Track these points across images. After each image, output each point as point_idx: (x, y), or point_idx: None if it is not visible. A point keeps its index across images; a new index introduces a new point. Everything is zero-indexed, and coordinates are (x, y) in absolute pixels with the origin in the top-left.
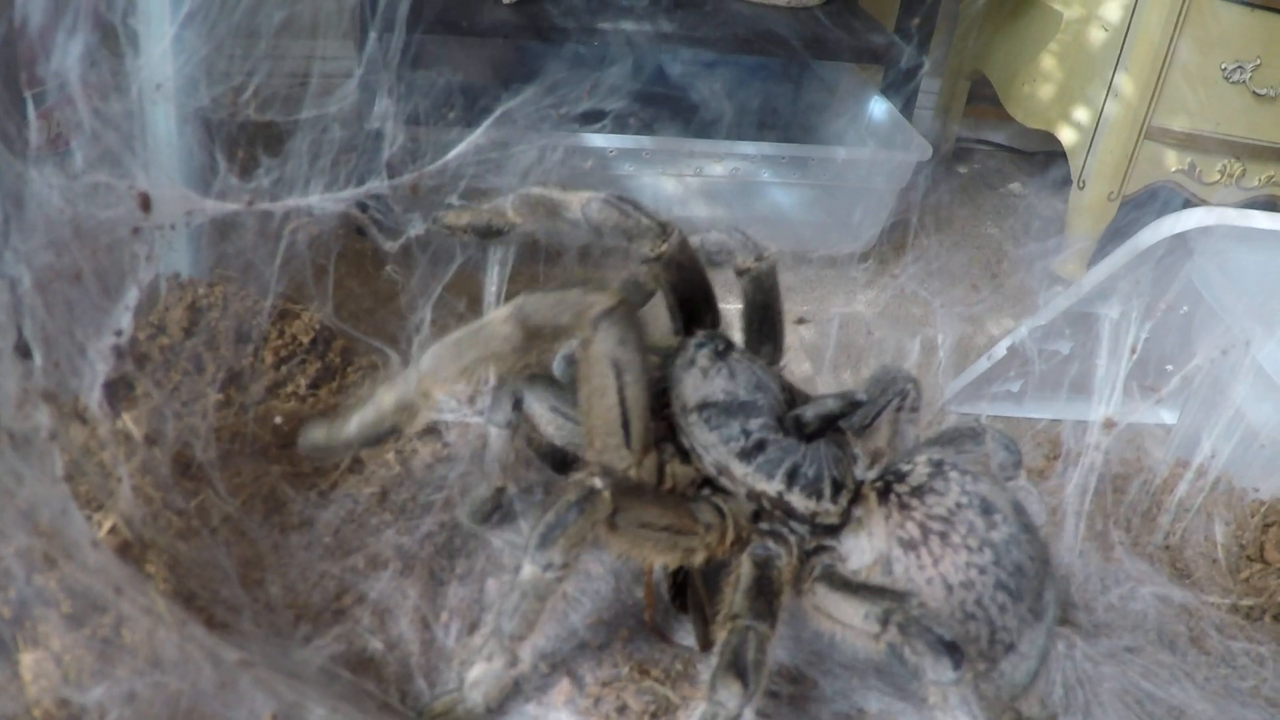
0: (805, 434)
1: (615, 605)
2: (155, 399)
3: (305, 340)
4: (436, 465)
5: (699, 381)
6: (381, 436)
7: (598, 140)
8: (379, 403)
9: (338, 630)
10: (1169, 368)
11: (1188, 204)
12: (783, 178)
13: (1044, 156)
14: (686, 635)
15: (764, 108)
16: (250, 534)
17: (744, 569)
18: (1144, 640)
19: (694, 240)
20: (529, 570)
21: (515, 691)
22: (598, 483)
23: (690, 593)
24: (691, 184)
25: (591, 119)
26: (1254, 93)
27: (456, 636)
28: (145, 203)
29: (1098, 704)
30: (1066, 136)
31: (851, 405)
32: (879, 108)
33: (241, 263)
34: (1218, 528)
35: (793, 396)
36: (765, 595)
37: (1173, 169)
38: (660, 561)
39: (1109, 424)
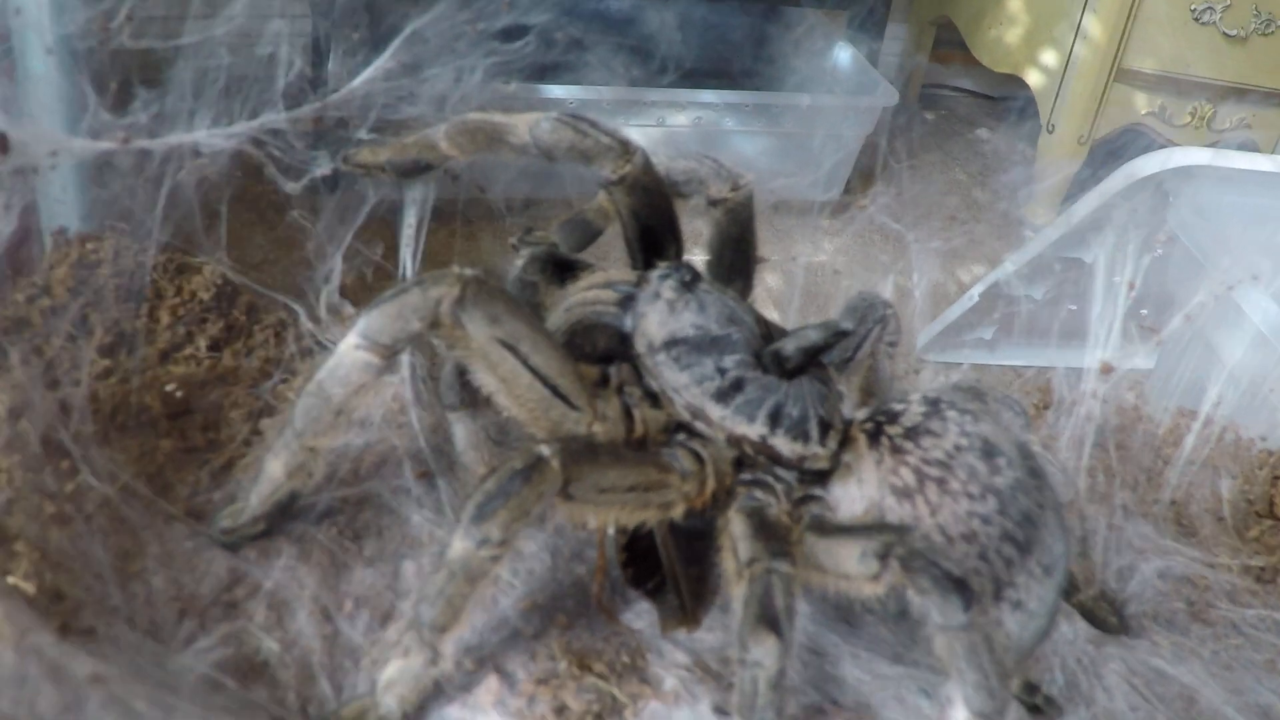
0: (786, 370)
1: (551, 586)
2: (24, 369)
3: (206, 297)
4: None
5: (665, 316)
6: (284, 504)
7: (556, 91)
8: (270, 474)
9: (226, 629)
10: (1144, 312)
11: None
12: (747, 126)
13: (1012, 101)
14: (636, 617)
15: (726, 54)
16: (131, 520)
17: (736, 523)
18: (1146, 609)
19: (659, 168)
20: (460, 546)
21: (436, 693)
22: (545, 450)
23: (665, 556)
24: (653, 134)
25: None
26: (1224, 33)
27: (365, 630)
28: (2, 144)
29: (1103, 689)
30: (1034, 80)
31: (836, 335)
32: (844, 53)
33: (119, 210)
34: (1224, 482)
35: (768, 330)
36: (775, 534)
37: (1143, 111)
38: (633, 523)
39: (1106, 369)
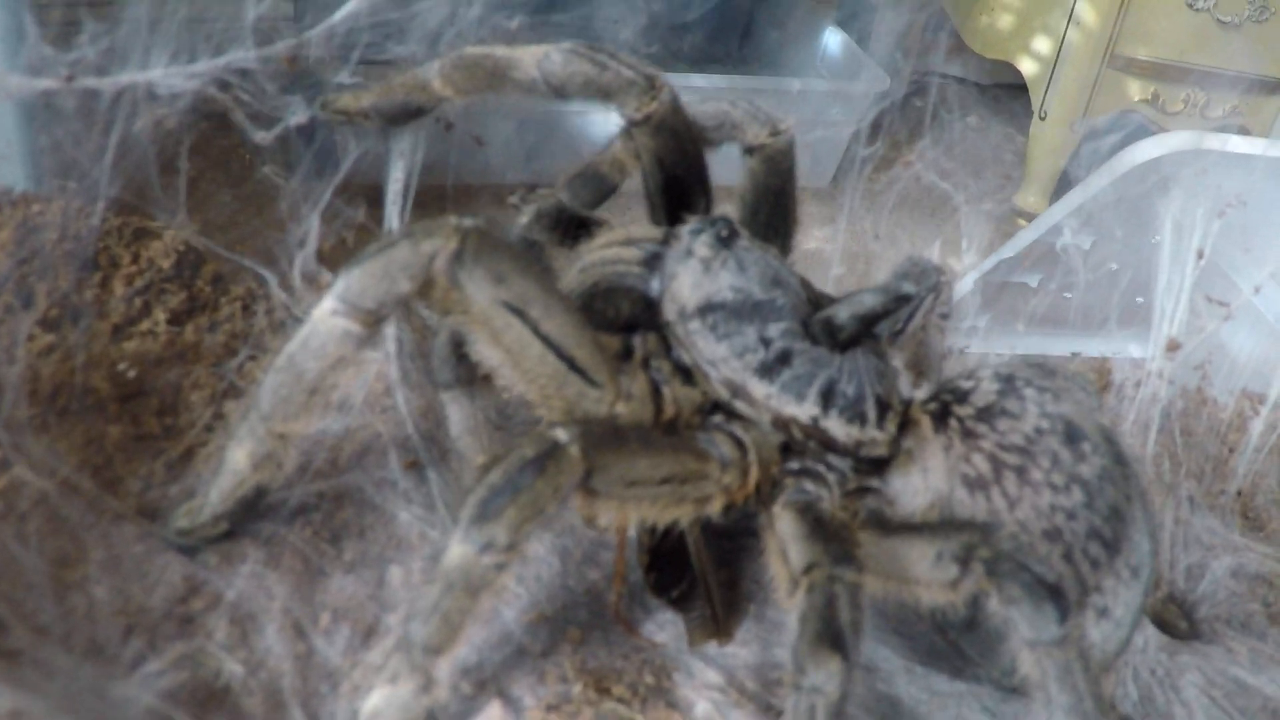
0: (838, 341)
1: (562, 595)
2: None
3: (166, 265)
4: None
5: (699, 277)
6: (250, 501)
7: None
8: (233, 465)
9: (181, 648)
10: (1139, 300)
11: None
12: None
13: (1003, 89)
14: (659, 629)
15: (716, 39)
16: (72, 520)
17: (784, 521)
18: (1219, 611)
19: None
20: (458, 551)
21: None
22: (562, 434)
23: (696, 560)
24: None
25: None
26: (1218, 20)
27: (345, 648)
28: None
29: (1180, 703)
30: (1027, 67)
31: (896, 300)
32: (834, 39)
33: (62, 162)
34: None
35: (815, 295)
36: (834, 534)
37: (1136, 98)
38: (665, 521)
39: (1173, 346)
